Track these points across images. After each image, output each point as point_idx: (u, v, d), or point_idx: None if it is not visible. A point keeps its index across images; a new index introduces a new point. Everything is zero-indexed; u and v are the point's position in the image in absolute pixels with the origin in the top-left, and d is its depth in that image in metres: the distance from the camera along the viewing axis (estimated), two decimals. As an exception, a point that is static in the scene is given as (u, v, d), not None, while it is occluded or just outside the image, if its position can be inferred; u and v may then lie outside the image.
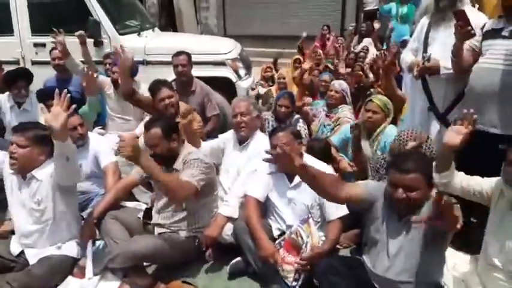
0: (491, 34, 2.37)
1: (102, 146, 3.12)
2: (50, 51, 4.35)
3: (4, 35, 5.04)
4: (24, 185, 2.40)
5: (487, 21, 2.57)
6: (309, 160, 2.60)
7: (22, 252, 2.45)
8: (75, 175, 2.39)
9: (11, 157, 2.35)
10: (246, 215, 2.54)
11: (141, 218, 2.71)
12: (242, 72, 5.05)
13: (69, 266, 2.48)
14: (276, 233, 2.57)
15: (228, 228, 2.62)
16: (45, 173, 2.37)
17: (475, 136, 2.46)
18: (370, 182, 2.28)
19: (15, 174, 2.43)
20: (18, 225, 2.48)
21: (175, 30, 9.62)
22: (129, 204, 3.00)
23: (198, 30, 10.09)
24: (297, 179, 2.52)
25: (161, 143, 2.50)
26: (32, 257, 2.40)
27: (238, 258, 2.59)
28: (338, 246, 2.68)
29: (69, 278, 2.44)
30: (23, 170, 2.38)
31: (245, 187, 2.68)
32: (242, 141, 2.99)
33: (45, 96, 3.57)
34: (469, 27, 2.30)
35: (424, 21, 2.99)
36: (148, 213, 2.72)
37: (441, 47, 2.77)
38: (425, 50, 2.90)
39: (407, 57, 3.08)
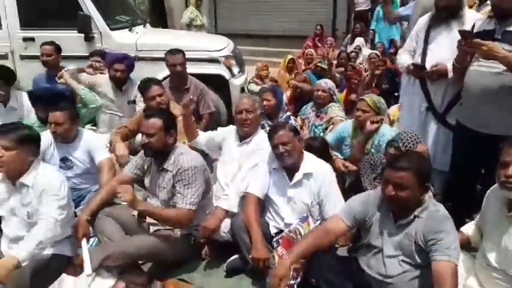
0: (483, 36, 2.32)
1: (96, 141, 3.06)
2: (40, 46, 4.25)
3: (-8, 29, 4.92)
4: (15, 192, 2.34)
5: (475, 21, 2.55)
6: (309, 158, 2.61)
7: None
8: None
9: None
10: (244, 212, 2.52)
11: (136, 216, 2.65)
12: (235, 69, 5.01)
13: (63, 264, 2.43)
14: (273, 230, 2.56)
15: (225, 226, 2.60)
16: (33, 177, 2.31)
17: (470, 137, 2.51)
18: (352, 204, 2.18)
19: (2, 181, 2.36)
20: (7, 231, 2.41)
21: (165, 28, 9.51)
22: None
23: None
24: (297, 176, 2.51)
25: (159, 134, 2.48)
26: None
27: (235, 256, 2.57)
28: (335, 245, 2.66)
29: (63, 275, 2.39)
30: (11, 174, 2.31)
31: (245, 183, 2.66)
32: (244, 137, 2.92)
33: (35, 99, 3.58)
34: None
35: (423, 21, 2.98)
36: (143, 210, 2.67)
37: (441, 47, 2.79)
38: (424, 49, 2.90)
39: (404, 57, 3.08)
